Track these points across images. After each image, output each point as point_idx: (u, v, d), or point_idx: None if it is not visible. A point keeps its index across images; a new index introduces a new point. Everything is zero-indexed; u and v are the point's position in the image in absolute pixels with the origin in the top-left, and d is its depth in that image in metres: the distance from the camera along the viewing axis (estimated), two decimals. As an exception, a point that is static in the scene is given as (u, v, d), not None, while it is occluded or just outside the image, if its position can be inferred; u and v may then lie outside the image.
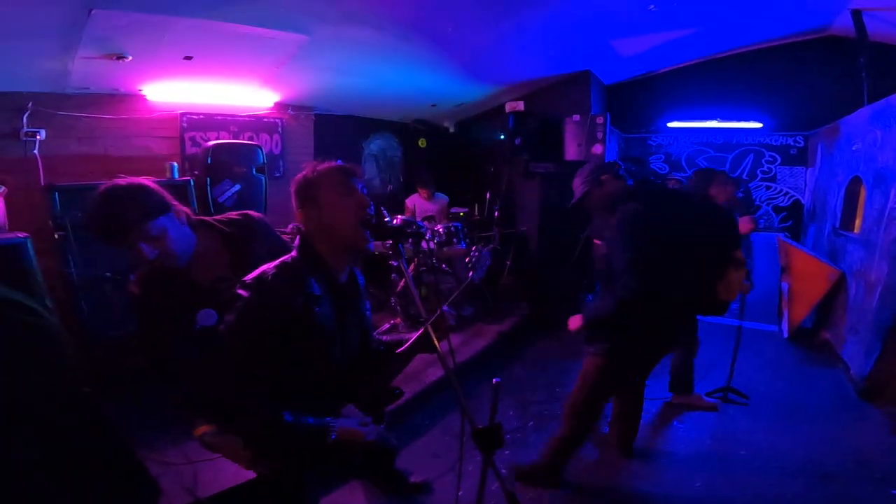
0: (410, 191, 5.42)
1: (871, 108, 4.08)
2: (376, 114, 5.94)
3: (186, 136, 4.04)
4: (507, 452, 2.73)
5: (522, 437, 2.91)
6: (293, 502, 1.49)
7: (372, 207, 1.42)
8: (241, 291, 1.28)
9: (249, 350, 1.24)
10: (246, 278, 1.32)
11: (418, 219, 4.92)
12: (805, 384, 3.62)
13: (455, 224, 4.69)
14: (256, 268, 1.35)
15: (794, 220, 6.38)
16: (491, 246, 4.86)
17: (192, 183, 3.29)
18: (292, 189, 1.40)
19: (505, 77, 5.44)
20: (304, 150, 5.11)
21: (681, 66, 6.45)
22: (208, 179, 3.38)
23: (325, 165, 1.40)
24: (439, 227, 4.58)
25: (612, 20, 4.37)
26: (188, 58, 3.39)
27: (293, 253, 1.39)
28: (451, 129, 6.97)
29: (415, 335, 1.62)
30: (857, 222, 4.53)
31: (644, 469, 2.57)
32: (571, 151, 5.46)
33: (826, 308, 4.57)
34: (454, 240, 4.61)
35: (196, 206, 3.31)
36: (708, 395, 3.40)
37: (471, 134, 6.78)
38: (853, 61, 4.54)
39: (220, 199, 3.43)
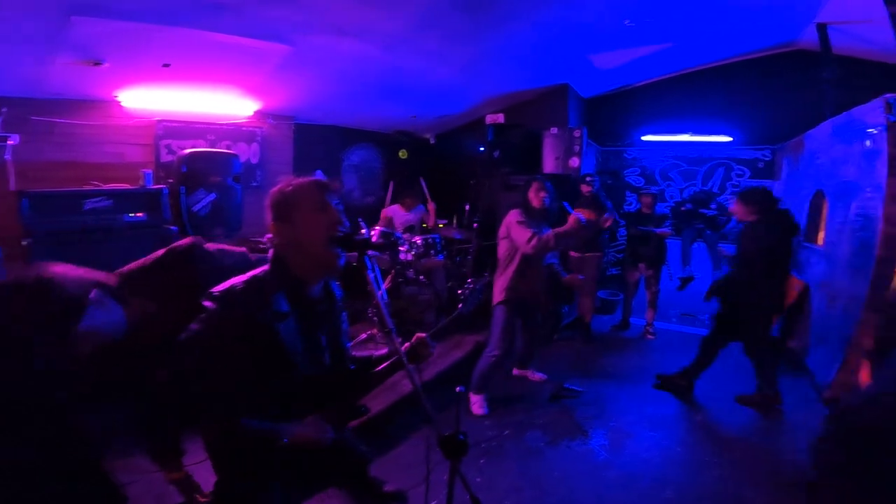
0: (391, 202, 5.44)
1: (833, 121, 4.27)
2: (357, 124, 5.98)
3: (162, 143, 4.01)
4: (482, 461, 2.75)
5: (499, 446, 2.93)
6: None
7: (346, 224, 1.44)
8: (206, 303, 1.29)
9: (210, 360, 1.25)
10: (214, 289, 1.33)
11: (398, 230, 4.94)
12: (770, 392, 3.71)
13: (433, 236, 4.72)
14: (211, 286, 1.34)
15: (763, 232, 6.58)
16: (485, 279, 4.87)
17: (165, 192, 3.27)
18: (267, 202, 1.41)
19: (487, 90, 5.54)
20: (283, 160, 5.10)
21: (655, 80, 6.67)
22: (182, 188, 3.35)
23: (302, 180, 1.41)
24: (417, 238, 4.61)
25: (590, 35, 4.52)
26: (166, 65, 3.39)
27: (265, 266, 1.39)
28: (432, 141, 7.03)
29: (388, 361, 1.64)
30: (821, 235, 4.71)
31: (618, 477, 2.61)
32: (550, 164, 5.56)
33: (792, 318, 4.72)
34: (432, 251, 4.64)
35: (171, 215, 3.29)
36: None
37: (451, 146, 6.86)
38: (818, 75, 4.75)
39: (195, 209, 3.41)
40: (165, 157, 3.98)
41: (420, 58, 4.26)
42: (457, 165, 6.51)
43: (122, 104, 3.76)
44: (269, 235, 1.68)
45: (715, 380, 3.88)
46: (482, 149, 5.68)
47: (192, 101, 4.04)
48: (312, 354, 1.43)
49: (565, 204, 3.22)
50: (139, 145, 3.95)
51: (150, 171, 3.49)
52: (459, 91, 5.39)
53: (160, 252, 1.60)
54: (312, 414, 1.47)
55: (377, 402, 3.18)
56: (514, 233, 3.14)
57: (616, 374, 4.10)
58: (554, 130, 5.47)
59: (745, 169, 6.60)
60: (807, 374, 3.91)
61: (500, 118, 5.62)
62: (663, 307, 5.78)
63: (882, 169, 3.08)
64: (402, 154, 6.57)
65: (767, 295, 3.48)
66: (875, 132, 3.20)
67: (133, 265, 1.54)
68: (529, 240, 3.02)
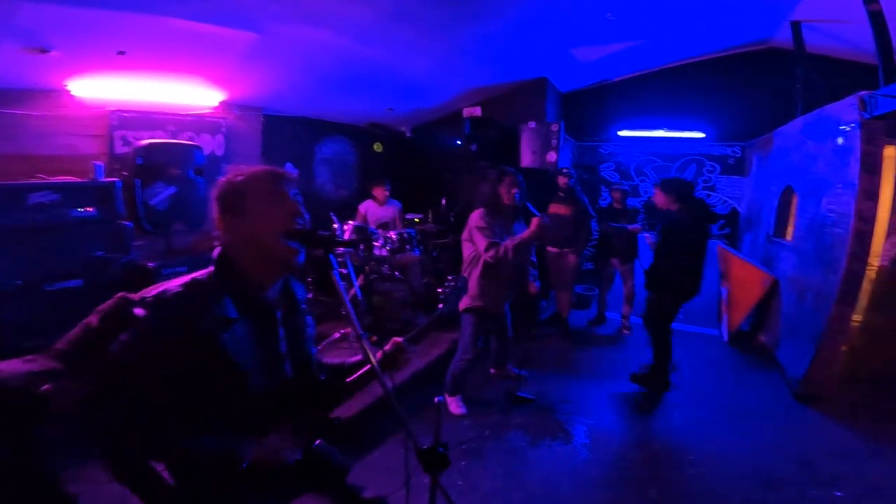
0: (365, 196, 5.29)
1: (804, 119, 4.34)
2: (330, 116, 5.77)
3: (116, 134, 3.75)
4: (463, 463, 2.67)
5: (479, 447, 2.85)
6: None
7: (307, 217, 1.30)
8: (137, 311, 1.13)
9: (140, 375, 1.09)
10: (147, 294, 1.17)
11: (372, 225, 4.80)
12: (745, 387, 3.79)
13: (409, 230, 4.60)
14: None
15: (732, 227, 6.73)
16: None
17: (119, 185, 3.03)
18: (214, 194, 1.26)
19: (464, 83, 5.43)
20: (251, 153, 4.87)
21: (632, 76, 6.71)
22: (138, 181, 3.12)
23: (254, 168, 1.26)
24: (392, 233, 4.48)
25: (570, 28, 4.46)
26: (121, 53, 3.17)
27: (210, 267, 1.23)
28: (408, 134, 6.89)
29: (362, 369, 1.51)
30: (790, 230, 4.81)
31: (601, 476, 2.58)
32: (527, 158, 5.51)
33: (762, 312, 4.82)
34: (407, 246, 4.52)
35: (125, 210, 3.06)
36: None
37: (428, 139, 6.73)
38: (791, 73, 4.82)
39: (152, 203, 3.18)
40: (120, 149, 3.73)
41: (395, 49, 4.12)
42: (433, 159, 6.38)
43: (73, 93, 3.49)
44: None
45: (691, 377, 3.92)
46: (459, 142, 5.59)
47: (151, 90, 3.78)
48: (269, 365, 1.28)
49: (528, 204, 3.03)
50: (91, 136, 3.69)
51: (101, 163, 3.24)
52: (436, 83, 5.26)
53: (92, 319, 1.38)
54: (276, 430, 1.34)
55: (350, 406, 3.06)
56: (475, 238, 2.97)
57: (593, 370, 4.10)
58: (532, 124, 5.43)
59: (716, 165, 6.72)
60: (778, 369, 3.98)
61: (478, 111, 5.54)
62: (637, 301, 5.84)
63: (855, 165, 3.12)
64: (377, 147, 6.40)
65: (686, 279, 3.64)
66: (848, 129, 3.25)
67: (69, 338, 1.33)
68: (487, 249, 2.87)
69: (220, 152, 4.54)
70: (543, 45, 4.83)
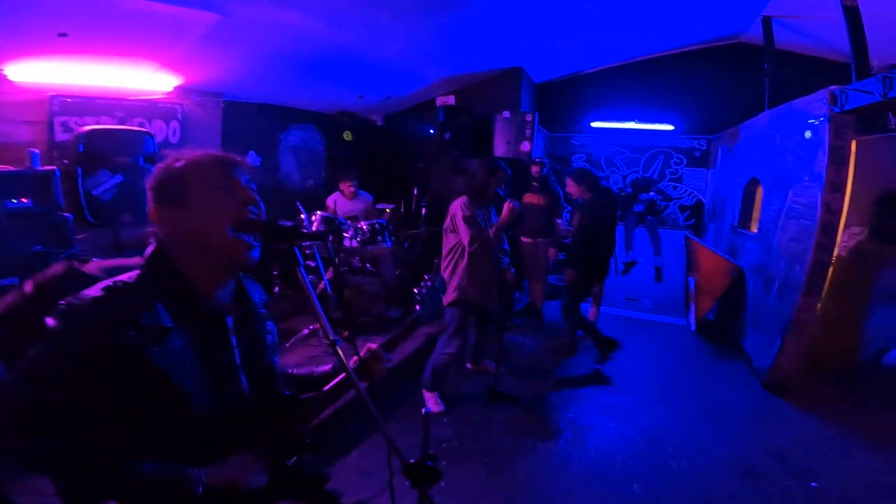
0: (333, 187, 5.07)
1: (771, 112, 4.43)
2: (296, 103, 5.49)
3: (57, 120, 3.42)
4: (444, 463, 2.57)
5: (460, 446, 2.77)
6: None
7: (262, 207, 1.11)
8: (48, 320, 0.94)
9: (51, 396, 0.90)
10: (61, 301, 0.96)
11: (340, 218, 4.60)
12: (715, 377, 3.87)
13: (380, 221, 4.44)
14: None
15: (697, 218, 6.90)
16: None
17: (57, 173, 2.74)
18: (149, 183, 1.06)
19: (438, 71, 5.29)
20: (210, 141, 4.56)
21: (606, 67, 6.73)
22: (79, 170, 2.83)
23: (197, 153, 1.08)
24: (363, 224, 4.31)
25: (547, 17, 4.37)
26: (62, 35, 2.87)
27: (139, 270, 1.04)
28: (379, 123, 6.67)
29: (334, 380, 1.36)
30: (755, 221, 4.94)
31: (584, 472, 2.55)
32: (500, 148, 5.44)
33: (728, 302, 4.94)
34: (379, 237, 4.37)
35: (64, 201, 2.77)
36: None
37: (400, 128, 6.54)
38: (759, 68, 4.92)
39: (95, 193, 2.90)
40: (61, 136, 3.41)
41: (367, 33, 3.93)
42: (405, 148, 6.22)
43: (9, 78, 3.16)
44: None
45: (666, 369, 3.98)
46: (432, 131, 5.43)
47: (97, 74, 3.46)
48: (219, 381, 1.10)
49: (499, 191, 3.05)
50: (29, 123, 3.37)
51: (38, 151, 2.93)
52: (409, 71, 5.09)
53: (27, 286, 1.16)
54: (235, 453, 1.17)
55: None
56: (460, 228, 2.95)
57: (570, 362, 4.08)
58: (506, 114, 5.35)
59: (683, 157, 6.85)
60: (745, 359, 4.08)
61: (452, 100, 5.43)
62: (609, 292, 5.90)
63: (823, 158, 3.19)
64: (347, 136, 6.16)
65: (596, 261, 4.07)
66: (817, 123, 3.31)
67: None
68: (471, 242, 2.90)
69: (174, 140, 4.23)
70: (519, 34, 4.74)
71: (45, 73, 3.22)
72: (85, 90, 3.56)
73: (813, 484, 2.40)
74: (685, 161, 6.86)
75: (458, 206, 3.00)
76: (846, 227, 4.04)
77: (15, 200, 2.54)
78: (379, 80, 5.15)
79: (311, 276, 4.08)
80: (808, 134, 3.50)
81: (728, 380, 3.78)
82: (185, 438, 1.04)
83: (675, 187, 6.95)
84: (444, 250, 3.13)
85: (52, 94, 3.41)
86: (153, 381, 0.95)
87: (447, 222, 3.07)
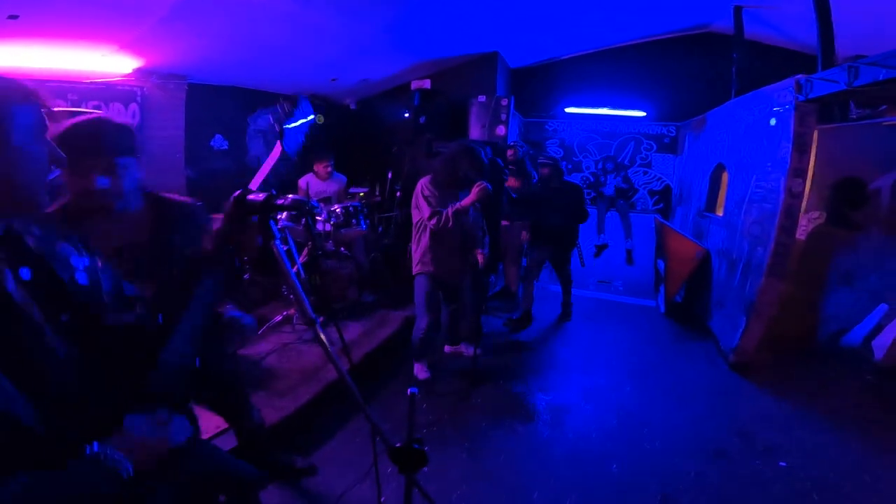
0: (304, 171, 4.93)
1: (737, 100, 4.55)
2: (266, 86, 5.27)
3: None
4: (426, 448, 2.57)
5: (440, 431, 2.79)
6: None
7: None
8: None
9: None
10: None
11: (313, 200, 4.48)
12: (683, 358, 4.00)
13: (354, 204, 4.36)
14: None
15: (665, 203, 7.10)
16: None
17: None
18: None
19: (414, 53, 5.18)
20: (172, 124, 4.35)
21: (580, 54, 6.76)
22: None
23: None
24: (337, 207, 4.22)
25: (524, 2, 4.31)
26: (13, 17, 2.65)
27: None
28: (353, 107, 6.51)
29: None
30: (720, 205, 5.11)
31: (564, 454, 2.61)
32: (476, 132, 5.41)
33: (695, 284, 5.11)
34: (353, 221, 4.29)
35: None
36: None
37: (374, 112, 6.41)
38: (728, 57, 5.04)
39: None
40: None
41: (340, 14, 3.79)
42: (379, 132, 6.10)
43: None
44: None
45: (637, 350, 4.10)
46: (407, 115, 5.34)
47: (50, 57, 3.24)
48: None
49: (469, 174, 3.05)
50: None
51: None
52: (383, 54, 4.95)
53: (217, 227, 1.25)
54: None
55: (299, 395, 2.87)
56: (420, 204, 3.03)
57: (545, 344, 4.16)
58: (481, 98, 5.32)
59: (653, 143, 7.00)
60: (712, 339, 4.24)
61: (426, 84, 5.34)
62: (581, 275, 6.02)
63: (787, 145, 3.30)
64: (319, 119, 5.97)
65: (546, 235, 4.57)
66: (782, 110, 3.42)
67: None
68: (430, 217, 2.95)
69: (134, 123, 4.01)
70: (495, 19, 4.68)
71: (-8, 56, 2.98)
72: (35, 73, 3.31)
73: (781, 464, 2.51)
74: (655, 147, 7.01)
75: (420, 185, 3.08)
76: (806, 211, 4.24)
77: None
78: (351, 62, 5.00)
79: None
80: (772, 121, 3.62)
81: (696, 360, 3.93)
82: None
83: (645, 173, 7.11)
84: (413, 226, 3.21)
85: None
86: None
87: (414, 199, 3.14)
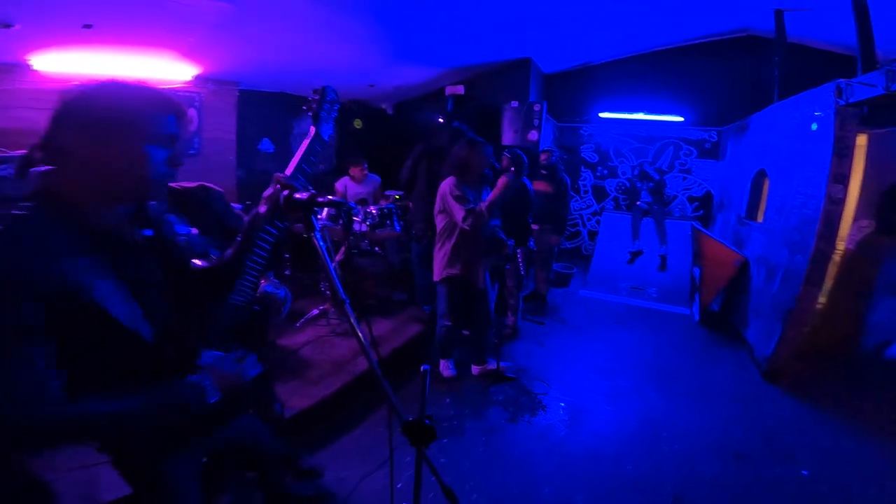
0: (343, 173, 5.18)
1: (779, 105, 4.42)
2: (309, 92, 5.59)
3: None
4: (444, 441, 2.70)
5: (459, 425, 2.88)
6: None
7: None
8: None
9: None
10: None
11: (351, 202, 4.71)
12: (715, 365, 3.91)
13: (388, 205, 4.54)
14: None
15: (706, 209, 6.90)
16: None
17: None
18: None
19: (447, 60, 5.34)
20: (225, 127, 4.72)
21: (615, 59, 6.71)
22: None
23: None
24: (372, 208, 4.41)
25: (558, 9, 4.37)
26: (87, 26, 2.99)
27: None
28: (389, 111, 6.75)
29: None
30: (761, 212, 4.95)
31: (579, 453, 2.64)
32: (509, 137, 5.49)
33: (732, 292, 4.97)
34: (387, 222, 4.47)
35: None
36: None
37: (409, 116, 6.63)
38: (769, 61, 4.89)
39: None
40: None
41: (376, 22, 3.98)
42: (415, 136, 6.28)
43: (36, 68, 3.36)
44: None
45: (665, 356, 4.04)
46: (441, 120, 5.50)
47: (120, 64, 3.60)
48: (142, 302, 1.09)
49: (487, 171, 3.06)
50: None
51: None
52: (418, 60, 5.15)
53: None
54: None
55: (329, 384, 3.04)
56: (451, 206, 2.96)
57: (572, 348, 4.17)
58: (514, 104, 5.40)
59: (693, 148, 6.83)
60: (746, 348, 4.13)
61: (461, 90, 5.47)
62: (613, 280, 5.96)
63: (827, 150, 3.20)
64: (357, 123, 6.25)
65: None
66: (823, 115, 3.32)
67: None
68: (465, 219, 2.89)
69: (192, 126, 4.39)
70: (528, 27, 4.76)
71: (69, 63, 3.37)
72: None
73: (804, 472, 2.45)
74: (695, 152, 6.84)
75: (446, 187, 3.02)
76: (855, 219, 4.07)
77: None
78: (388, 68, 5.21)
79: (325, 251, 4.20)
80: (814, 126, 3.51)
81: (727, 368, 3.84)
82: (129, 362, 1.04)
83: (685, 178, 6.95)
84: (438, 232, 3.19)
85: (76, 83, 3.56)
86: (86, 310, 0.94)
87: (438, 205, 3.10)
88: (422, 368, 1.46)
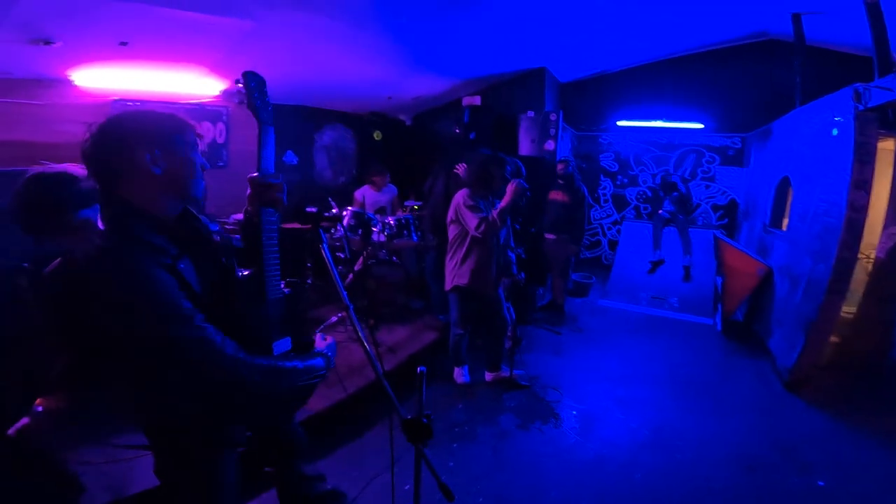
0: (362, 182, 5.33)
1: (801, 110, 4.34)
2: (329, 105, 5.79)
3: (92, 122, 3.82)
4: (454, 445, 2.74)
5: (470, 430, 2.92)
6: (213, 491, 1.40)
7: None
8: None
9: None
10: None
11: (369, 211, 4.84)
12: (735, 375, 3.83)
13: (406, 216, 4.64)
14: None
15: (730, 217, 6.76)
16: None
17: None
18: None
19: (462, 71, 5.43)
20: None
21: (632, 67, 6.68)
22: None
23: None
24: (390, 219, 4.53)
25: (572, 19, 4.42)
26: (123, 44, 3.20)
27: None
28: (408, 123, 6.90)
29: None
30: (785, 220, 4.84)
31: (588, 460, 2.64)
32: (525, 147, 5.53)
33: (755, 302, 4.86)
34: (405, 232, 4.57)
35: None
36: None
37: (427, 127, 6.75)
38: (789, 65, 4.80)
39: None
40: (122, 137, 3.79)
41: (393, 36, 4.11)
42: (432, 147, 6.41)
43: (76, 83, 3.56)
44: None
45: (684, 366, 3.98)
46: (457, 130, 5.60)
47: (153, 80, 3.83)
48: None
49: (507, 175, 3.09)
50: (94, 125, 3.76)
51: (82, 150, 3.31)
52: (434, 72, 5.26)
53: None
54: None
55: (346, 386, 3.13)
56: (465, 215, 3.03)
57: (587, 358, 4.15)
58: (530, 114, 5.44)
59: (716, 156, 6.72)
60: (769, 358, 4.03)
61: (477, 100, 5.55)
62: (633, 290, 5.89)
63: (848, 156, 3.14)
64: (377, 135, 6.43)
65: None
66: (842, 120, 3.26)
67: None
68: (478, 227, 2.94)
69: (220, 140, 4.61)
70: (543, 36, 4.81)
71: (107, 78, 3.59)
72: (142, 95, 3.94)
73: (820, 483, 2.39)
74: (718, 159, 6.72)
75: (460, 197, 3.09)
76: (885, 227, 3.94)
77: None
78: (405, 81, 5.34)
79: (339, 267, 4.33)
80: (834, 131, 3.44)
81: (747, 378, 3.75)
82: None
83: (708, 186, 6.83)
84: (449, 241, 3.24)
85: (114, 98, 3.80)
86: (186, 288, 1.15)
87: (451, 214, 3.16)
88: (418, 370, 1.54)
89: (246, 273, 1.46)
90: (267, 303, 1.44)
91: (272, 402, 1.21)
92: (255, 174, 1.44)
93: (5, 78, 3.22)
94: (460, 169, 4.04)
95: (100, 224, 1.17)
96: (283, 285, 1.52)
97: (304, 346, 1.52)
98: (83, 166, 1.18)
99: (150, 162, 1.14)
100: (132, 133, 1.15)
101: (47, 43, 2.86)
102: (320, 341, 1.50)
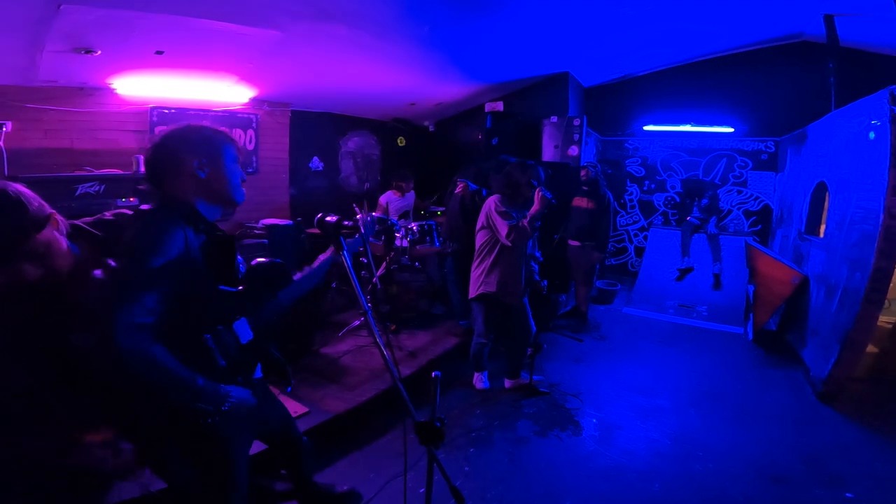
0: (387, 189, 5.43)
1: (836, 113, 4.18)
2: (354, 112, 5.94)
3: (156, 130, 4.01)
4: (471, 450, 2.75)
5: (487, 435, 2.92)
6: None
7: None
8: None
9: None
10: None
11: (393, 216, 4.92)
12: (764, 385, 3.70)
13: (429, 222, 4.70)
14: None
15: (764, 224, 6.53)
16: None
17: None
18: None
19: (484, 77, 5.47)
20: (279, 146, 5.10)
21: (658, 70, 6.56)
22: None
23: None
24: (413, 225, 4.59)
25: (595, 23, 4.41)
26: (159, 52, 3.39)
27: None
28: (431, 129, 6.98)
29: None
30: (822, 227, 4.65)
31: (605, 468, 2.60)
32: (549, 152, 5.52)
33: (790, 311, 4.68)
34: (428, 238, 4.62)
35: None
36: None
37: (450, 133, 6.81)
38: (824, 67, 4.64)
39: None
40: (160, 143, 3.98)
41: (413, 44, 4.19)
42: (455, 153, 6.46)
43: (116, 91, 3.77)
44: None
45: (710, 376, 3.88)
46: (480, 136, 5.64)
47: (188, 88, 4.03)
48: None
49: (533, 181, 3.08)
50: (133, 132, 3.98)
51: (142, 156, 3.48)
52: (457, 79, 5.31)
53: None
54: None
55: (366, 390, 3.19)
56: (496, 222, 3.04)
57: (609, 365, 4.09)
58: (553, 119, 5.43)
59: (748, 160, 6.52)
60: (802, 368, 3.88)
61: (499, 106, 5.57)
62: (660, 297, 5.76)
63: (884, 160, 3.01)
64: (401, 141, 6.54)
65: None
66: (878, 124, 3.13)
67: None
68: (508, 234, 2.95)
69: (250, 146, 4.78)
70: (566, 42, 4.80)
71: (145, 87, 3.80)
72: (178, 102, 4.14)
73: (848, 495, 2.29)
74: (751, 164, 6.52)
75: (491, 204, 3.10)
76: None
77: (124, 199, 3.06)
78: (427, 88, 5.41)
79: (363, 272, 4.42)
80: (871, 135, 3.31)
81: (778, 388, 3.62)
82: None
83: (740, 192, 6.63)
84: (477, 247, 3.25)
85: (151, 105, 4.01)
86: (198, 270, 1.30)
87: (481, 220, 3.18)
88: (433, 375, 1.58)
89: (263, 261, 1.64)
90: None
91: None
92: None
93: (51, 86, 3.43)
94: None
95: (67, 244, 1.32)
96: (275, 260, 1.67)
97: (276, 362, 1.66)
98: (23, 185, 1.27)
99: (197, 167, 1.35)
100: (184, 141, 1.37)
101: (88, 52, 3.05)
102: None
